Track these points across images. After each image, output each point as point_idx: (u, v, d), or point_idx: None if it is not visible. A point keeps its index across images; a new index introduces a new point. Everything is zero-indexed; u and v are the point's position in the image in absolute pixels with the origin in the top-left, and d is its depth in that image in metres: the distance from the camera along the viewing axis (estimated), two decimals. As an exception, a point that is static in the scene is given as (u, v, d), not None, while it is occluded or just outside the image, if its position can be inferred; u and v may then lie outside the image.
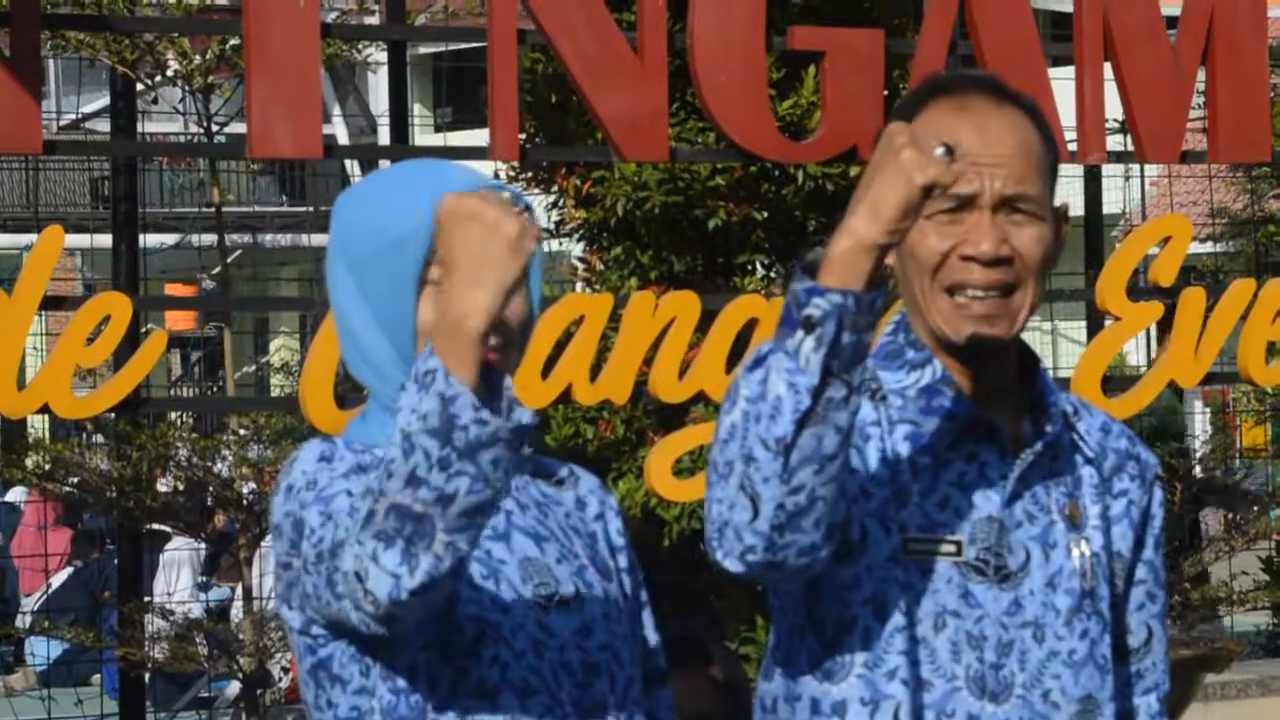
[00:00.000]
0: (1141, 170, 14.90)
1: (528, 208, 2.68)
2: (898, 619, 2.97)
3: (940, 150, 2.71)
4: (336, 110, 33.14)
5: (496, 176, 6.94)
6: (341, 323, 2.91)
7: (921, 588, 2.99)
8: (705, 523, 2.82)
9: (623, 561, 3.06)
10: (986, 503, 3.02)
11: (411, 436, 2.55)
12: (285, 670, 11.33)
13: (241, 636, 10.28)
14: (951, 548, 3.00)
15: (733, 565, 2.79)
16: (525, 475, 3.00)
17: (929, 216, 2.94)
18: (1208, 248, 14.52)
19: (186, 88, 11.49)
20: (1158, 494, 3.24)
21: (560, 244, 8.88)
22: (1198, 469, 13.45)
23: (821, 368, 2.68)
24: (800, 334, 2.68)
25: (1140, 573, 3.19)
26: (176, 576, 14.18)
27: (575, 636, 2.89)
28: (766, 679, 3.09)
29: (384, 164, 8.26)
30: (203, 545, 12.90)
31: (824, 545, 2.80)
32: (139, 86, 10.61)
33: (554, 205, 8.77)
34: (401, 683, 2.82)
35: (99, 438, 12.80)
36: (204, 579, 14.20)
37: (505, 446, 2.57)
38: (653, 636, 3.10)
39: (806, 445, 2.71)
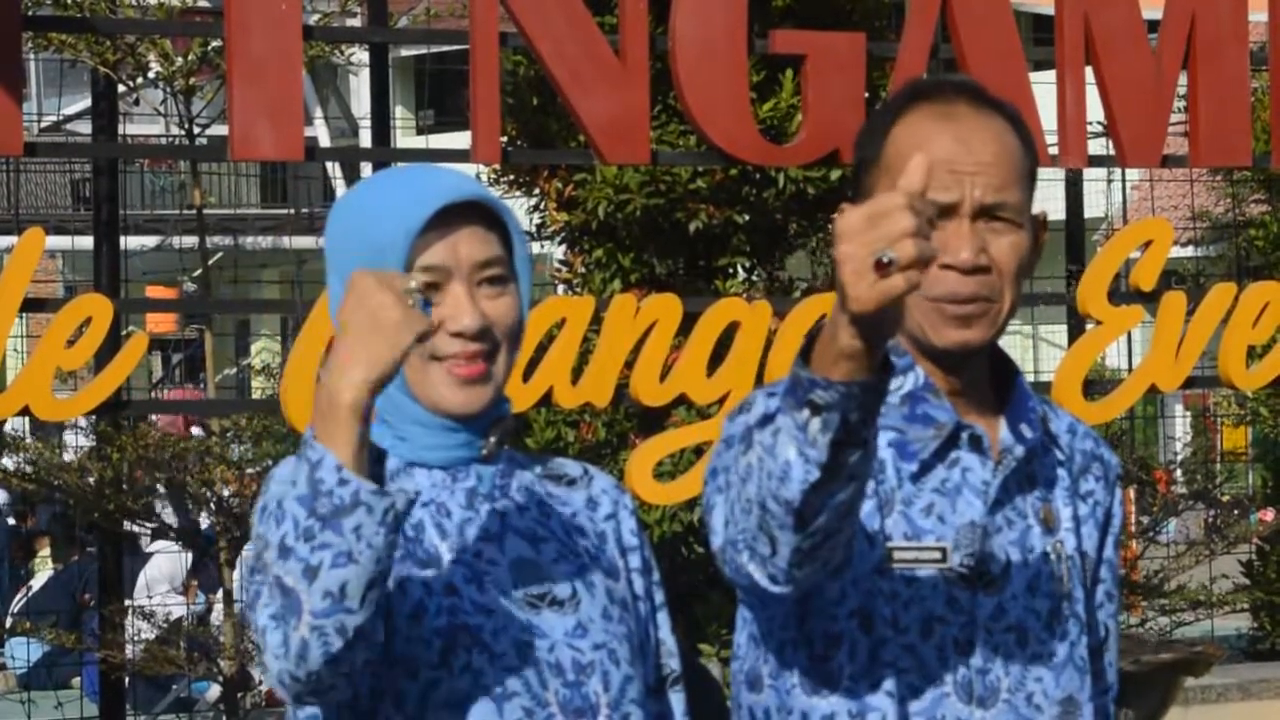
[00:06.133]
0: (1123, 174, 14.91)
1: (426, 302, 2.64)
2: (883, 630, 2.96)
3: (886, 258, 2.48)
4: (318, 112, 33.14)
5: (478, 179, 6.96)
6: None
7: (908, 596, 2.98)
8: (722, 536, 2.84)
9: (634, 562, 3.04)
10: (970, 509, 3.02)
11: (283, 503, 2.56)
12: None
13: (222, 640, 10.28)
14: (936, 554, 2.99)
15: (762, 583, 2.81)
16: (531, 475, 2.99)
17: (936, 227, 2.86)
18: (1189, 252, 14.53)
19: (168, 89, 11.48)
20: (1119, 494, 3.25)
21: (542, 246, 8.88)
22: (1179, 472, 13.49)
23: (830, 446, 2.62)
24: (807, 413, 2.62)
25: (1102, 572, 3.20)
26: (159, 580, 14.18)
27: (568, 636, 2.88)
28: (755, 690, 3.07)
29: (366, 167, 8.28)
30: (182, 550, 12.88)
31: (845, 568, 2.84)
32: (120, 88, 10.60)
33: (536, 208, 8.78)
34: (363, 705, 2.80)
35: (72, 437, 12.77)
36: (183, 586, 14.18)
37: (368, 513, 2.53)
38: (668, 638, 3.08)
39: (820, 503, 2.68)
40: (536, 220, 8.77)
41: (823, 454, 2.63)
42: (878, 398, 2.65)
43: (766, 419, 2.72)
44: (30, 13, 8.28)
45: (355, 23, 11.84)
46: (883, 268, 2.48)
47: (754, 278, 8.34)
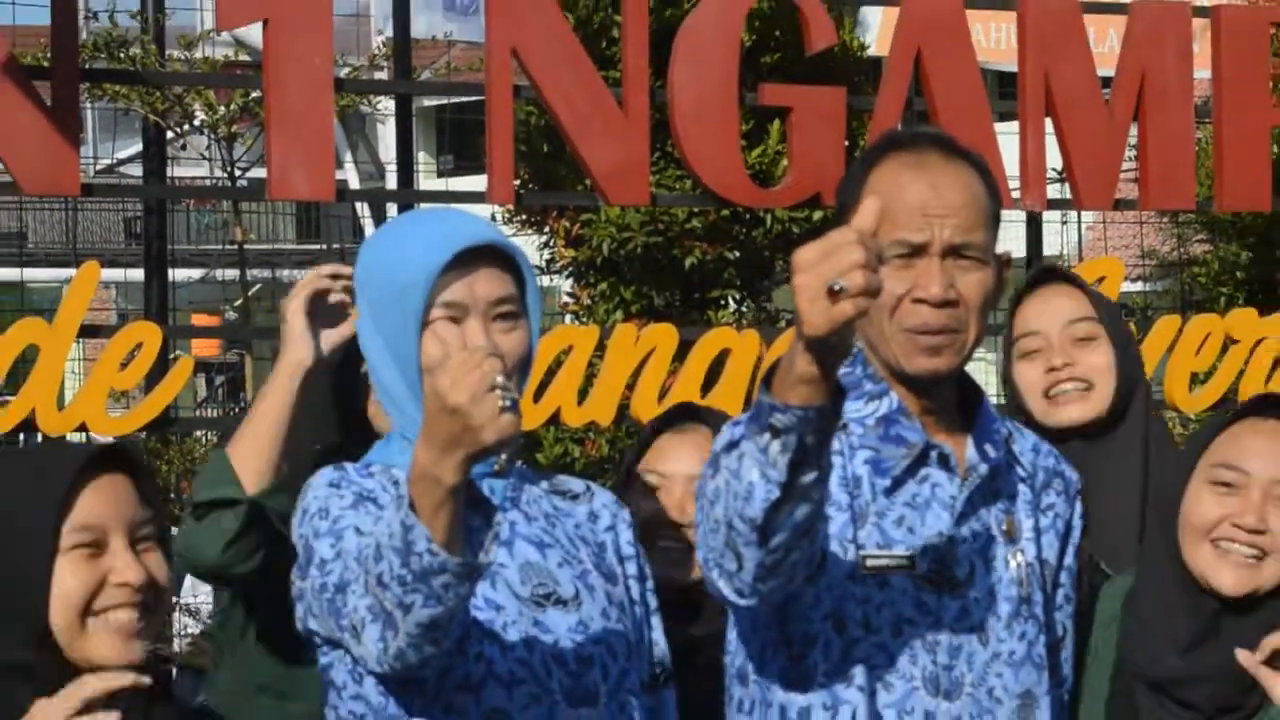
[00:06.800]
0: (1079, 216, 14.90)
1: (513, 403, 2.53)
2: (855, 631, 2.97)
3: (837, 286, 2.50)
4: (348, 157, 33.03)
5: (493, 219, 6.96)
6: (367, 358, 2.92)
7: (880, 599, 2.98)
8: (700, 553, 2.84)
9: (631, 569, 3.06)
10: (937, 521, 3.02)
11: (381, 546, 2.56)
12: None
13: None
14: (905, 561, 2.99)
15: (730, 596, 2.82)
16: (539, 490, 3.01)
17: (885, 262, 2.88)
18: (1138, 287, 14.48)
19: (212, 136, 11.49)
20: (1078, 507, 3.25)
21: (551, 280, 8.88)
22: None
23: (788, 467, 2.64)
24: (768, 436, 2.63)
25: (1061, 577, 3.21)
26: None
27: (570, 632, 2.89)
28: (742, 684, 3.07)
29: (392, 207, 8.29)
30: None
31: (799, 581, 2.83)
32: (169, 134, 10.61)
33: (546, 245, 8.77)
34: (390, 684, 2.81)
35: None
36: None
37: (456, 579, 2.53)
38: (661, 640, 3.10)
39: (780, 521, 2.69)
40: (546, 256, 8.76)
41: (782, 474, 2.63)
42: (831, 422, 2.66)
43: (731, 445, 2.72)
44: (87, 65, 8.31)
45: (382, 75, 11.87)
46: (834, 295, 2.49)
47: (744, 309, 8.34)
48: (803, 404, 2.60)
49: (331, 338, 3.56)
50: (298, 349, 3.53)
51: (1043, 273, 4.08)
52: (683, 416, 3.84)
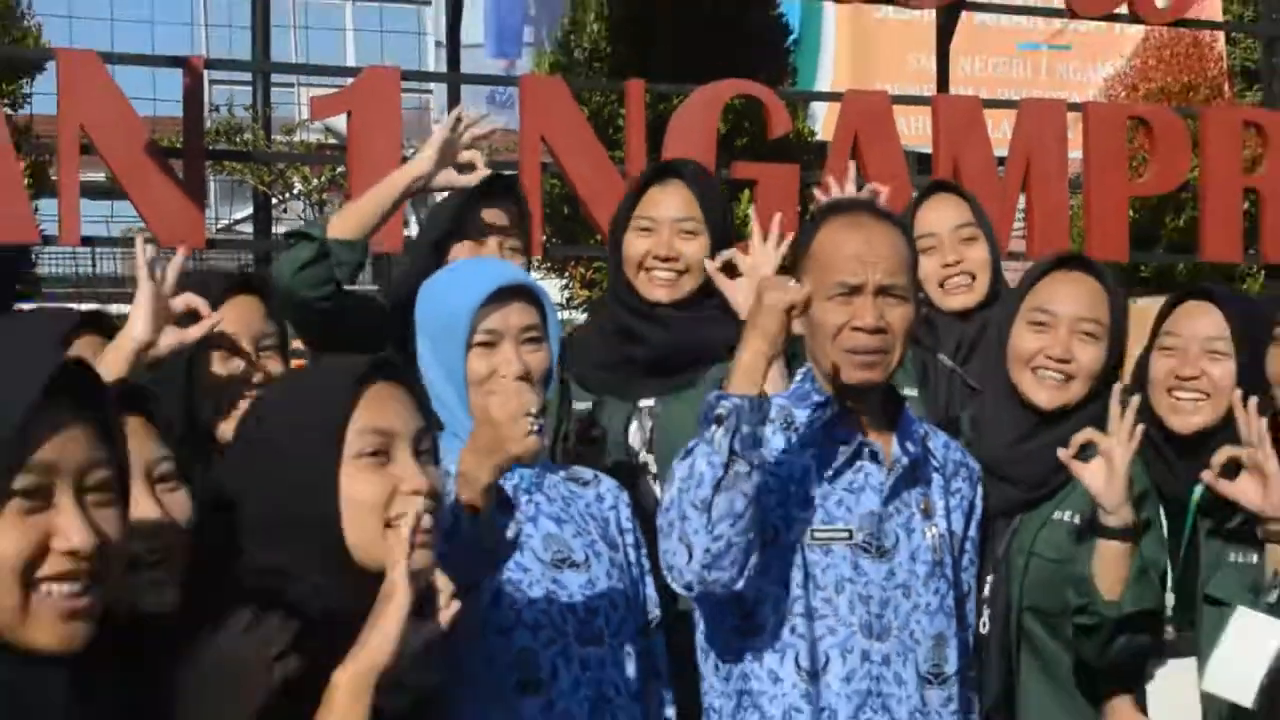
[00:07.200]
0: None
1: (541, 427, 2.58)
2: (797, 591, 2.97)
3: (792, 282, 2.86)
4: (413, 217, 33.15)
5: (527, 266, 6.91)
6: (425, 375, 2.91)
7: (825, 563, 3.00)
8: (661, 560, 2.87)
9: (629, 539, 3.06)
10: (869, 501, 3.04)
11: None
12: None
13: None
14: (845, 534, 3.01)
15: (680, 590, 2.87)
16: (558, 478, 3.01)
17: (830, 299, 2.99)
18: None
19: (307, 202, 11.47)
20: (980, 491, 3.26)
21: (569, 314, 8.87)
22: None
23: (728, 449, 2.75)
24: (714, 428, 2.77)
25: (966, 545, 3.21)
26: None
27: (581, 588, 2.89)
28: (706, 636, 3.08)
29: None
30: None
31: (738, 580, 2.84)
32: (273, 201, 10.59)
33: (565, 286, 8.76)
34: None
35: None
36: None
37: (484, 539, 2.57)
38: (653, 594, 3.08)
39: (722, 505, 2.77)
40: (566, 295, 8.76)
41: (724, 454, 2.74)
42: (760, 419, 2.79)
43: (687, 453, 2.81)
44: (210, 147, 8.27)
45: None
46: (786, 312, 2.82)
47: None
48: (741, 393, 2.76)
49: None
50: (420, 164, 3.69)
51: (933, 185, 4.17)
52: None
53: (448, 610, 2.11)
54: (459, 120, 3.72)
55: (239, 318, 3.14)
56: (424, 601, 2.09)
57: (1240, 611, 2.80)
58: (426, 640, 2.06)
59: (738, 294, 3.51)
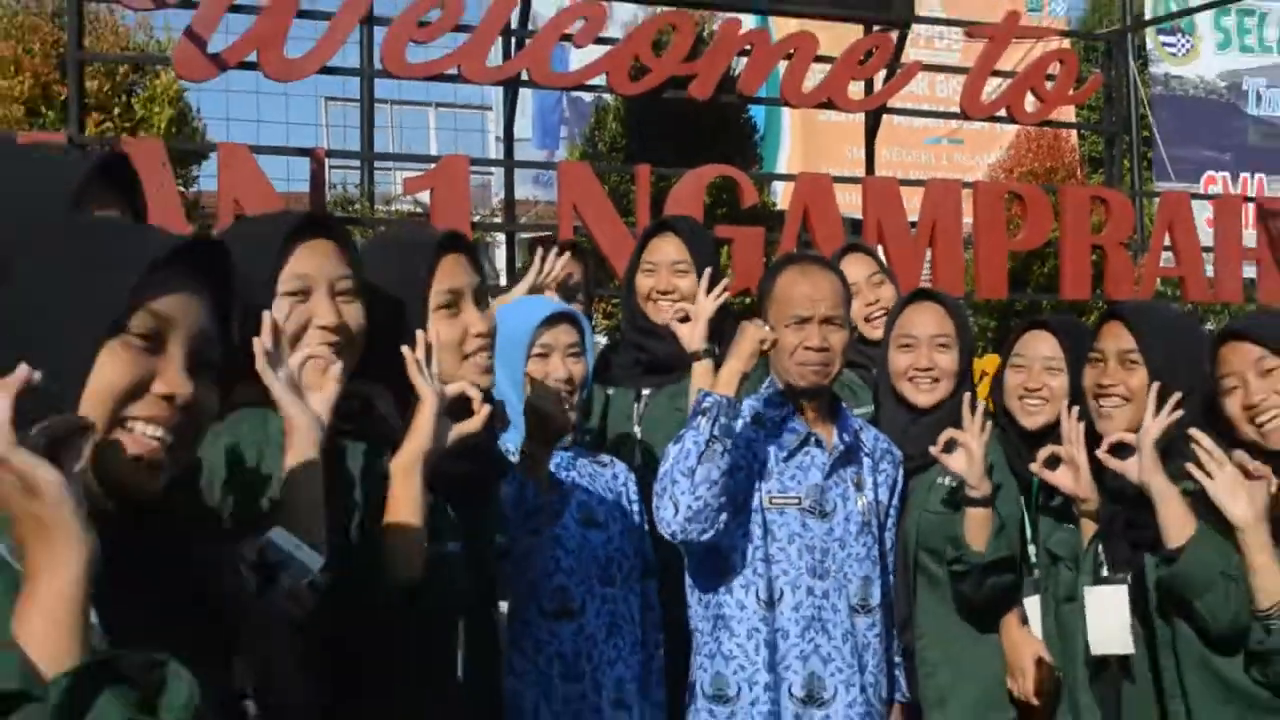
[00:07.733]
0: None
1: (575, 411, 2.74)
2: (757, 541, 2.95)
3: (766, 328, 2.91)
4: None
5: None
6: (497, 383, 2.92)
7: (780, 522, 2.97)
8: (655, 515, 2.84)
9: (636, 506, 3.02)
10: (814, 477, 3.01)
11: None
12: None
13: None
14: (795, 500, 2.99)
15: (667, 535, 2.84)
16: (586, 461, 2.98)
17: (787, 325, 2.97)
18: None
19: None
20: (901, 471, 3.21)
21: (598, 337, 8.87)
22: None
23: (709, 433, 2.75)
24: (700, 419, 2.77)
25: (891, 511, 3.18)
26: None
27: (602, 544, 2.87)
28: (691, 575, 3.04)
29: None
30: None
31: (709, 532, 2.81)
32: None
33: (590, 318, 8.75)
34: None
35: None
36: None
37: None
38: (649, 550, 3.05)
39: (702, 474, 2.75)
40: (593, 323, 8.74)
41: (706, 436, 2.74)
42: (734, 414, 2.80)
43: (679, 439, 2.80)
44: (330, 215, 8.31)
45: (497, 219, 11.84)
46: (760, 345, 2.88)
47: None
48: (721, 394, 2.78)
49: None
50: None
51: (847, 246, 4.03)
52: None
53: (479, 415, 2.02)
54: (542, 262, 3.60)
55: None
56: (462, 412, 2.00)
57: (1088, 590, 2.64)
58: (462, 435, 1.97)
59: (684, 331, 3.36)
